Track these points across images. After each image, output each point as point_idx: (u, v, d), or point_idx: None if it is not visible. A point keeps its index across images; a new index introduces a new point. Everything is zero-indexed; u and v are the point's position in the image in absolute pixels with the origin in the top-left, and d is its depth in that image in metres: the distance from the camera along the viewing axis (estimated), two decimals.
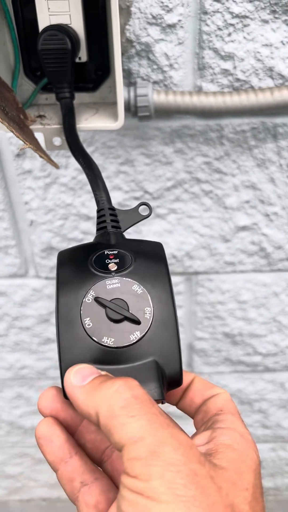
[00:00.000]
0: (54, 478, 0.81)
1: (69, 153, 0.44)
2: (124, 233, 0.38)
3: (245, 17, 0.48)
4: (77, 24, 0.45)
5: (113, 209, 0.38)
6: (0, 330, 0.77)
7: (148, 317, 0.32)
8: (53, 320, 0.74)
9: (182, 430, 0.34)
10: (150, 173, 0.60)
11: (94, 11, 0.45)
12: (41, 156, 0.43)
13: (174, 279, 0.70)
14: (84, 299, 0.32)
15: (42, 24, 0.44)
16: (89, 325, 0.31)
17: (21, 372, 0.83)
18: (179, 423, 0.35)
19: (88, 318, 0.31)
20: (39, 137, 0.49)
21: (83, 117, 0.48)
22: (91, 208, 0.63)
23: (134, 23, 0.48)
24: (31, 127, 0.47)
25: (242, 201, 0.62)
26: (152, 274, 0.34)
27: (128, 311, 0.32)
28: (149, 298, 0.32)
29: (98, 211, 0.38)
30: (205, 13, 0.48)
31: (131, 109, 0.50)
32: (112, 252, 0.35)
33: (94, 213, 0.57)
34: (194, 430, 0.33)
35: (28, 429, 0.94)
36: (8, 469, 1.03)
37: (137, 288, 0.33)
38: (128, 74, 0.52)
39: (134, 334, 0.31)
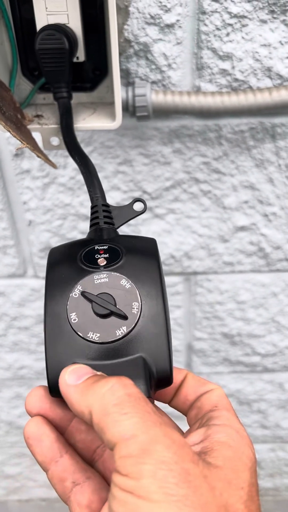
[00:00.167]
0: None
1: (67, 153, 0.44)
2: (119, 231, 0.38)
3: (244, 17, 0.48)
4: (75, 24, 0.44)
5: (107, 205, 0.38)
6: None
7: (135, 312, 0.31)
8: None
9: (179, 429, 0.33)
10: (148, 173, 0.60)
11: (92, 10, 0.45)
12: (38, 156, 0.43)
13: (172, 279, 0.70)
14: (71, 294, 0.31)
15: (40, 23, 0.44)
16: (74, 320, 0.31)
17: (20, 372, 0.83)
18: (178, 423, 0.34)
19: (74, 313, 0.31)
20: (37, 137, 0.49)
21: (80, 117, 0.48)
22: (90, 208, 0.63)
23: (133, 23, 0.48)
24: (29, 127, 0.47)
25: (241, 201, 0.62)
26: (142, 269, 0.33)
27: (115, 305, 0.31)
28: (138, 293, 0.32)
29: (91, 208, 0.38)
30: (204, 13, 0.48)
31: (130, 109, 0.50)
32: (102, 247, 0.34)
33: None
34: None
35: None
36: (7, 469, 1.03)
37: (125, 282, 0.32)
38: (126, 74, 0.52)
39: (120, 329, 0.30)
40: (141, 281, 0.32)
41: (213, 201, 0.62)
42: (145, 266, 0.33)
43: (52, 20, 0.44)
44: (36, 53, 0.44)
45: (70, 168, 0.59)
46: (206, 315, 0.75)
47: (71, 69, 0.45)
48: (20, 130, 0.43)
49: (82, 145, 0.57)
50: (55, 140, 0.49)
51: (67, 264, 0.33)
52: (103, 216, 0.37)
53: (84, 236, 0.68)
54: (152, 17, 0.48)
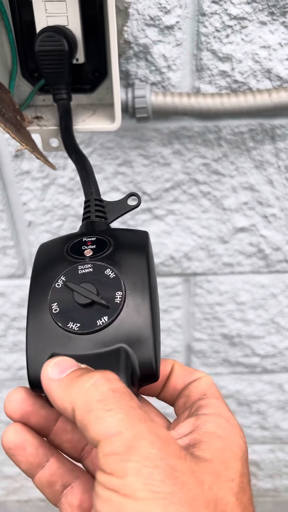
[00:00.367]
0: None
1: (67, 155, 0.44)
2: (114, 225, 0.37)
3: (243, 18, 0.48)
4: (75, 26, 0.45)
5: (100, 200, 0.37)
6: None
7: (118, 301, 0.30)
8: None
9: (166, 420, 0.32)
10: (148, 174, 0.60)
11: (92, 12, 0.45)
12: (37, 158, 0.43)
13: (172, 280, 0.70)
14: (54, 285, 0.31)
15: (40, 25, 0.44)
16: (55, 310, 0.30)
17: (20, 372, 0.83)
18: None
19: (55, 303, 0.30)
20: (36, 138, 0.49)
21: (80, 118, 0.48)
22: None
23: (132, 25, 0.48)
24: (28, 128, 0.47)
25: (241, 203, 0.62)
26: (130, 259, 0.32)
27: (98, 295, 0.30)
28: (122, 282, 0.30)
29: (85, 202, 0.38)
30: (203, 14, 0.48)
31: (129, 111, 0.50)
32: (90, 239, 0.33)
33: None
34: None
35: None
36: (6, 469, 1.03)
37: (109, 272, 0.31)
38: (126, 76, 0.52)
39: (101, 319, 0.29)
40: (127, 271, 0.31)
41: (212, 202, 0.62)
42: (133, 257, 0.32)
43: (52, 22, 0.44)
44: (35, 54, 0.44)
45: (69, 169, 0.59)
46: (206, 316, 0.75)
47: (70, 70, 0.45)
48: (20, 131, 0.43)
49: (81, 147, 0.57)
50: (55, 142, 0.49)
51: (53, 257, 0.33)
52: (95, 210, 0.37)
53: None
54: (151, 18, 0.48)
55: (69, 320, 0.29)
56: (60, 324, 0.29)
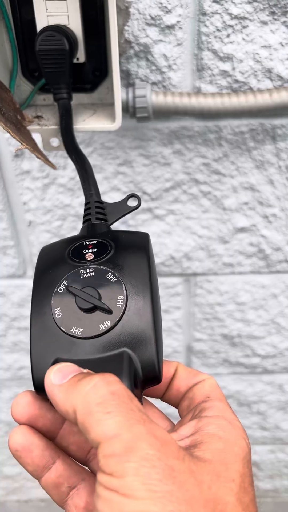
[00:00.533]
0: None
1: (67, 154, 0.44)
2: (114, 227, 0.37)
3: (244, 18, 0.48)
4: (75, 25, 0.44)
5: (100, 201, 0.37)
6: None
7: (120, 306, 0.30)
8: None
9: (169, 421, 0.33)
10: (148, 174, 0.60)
11: (92, 12, 0.45)
12: (38, 157, 0.43)
13: (172, 280, 0.70)
14: (56, 289, 0.31)
15: (40, 24, 0.44)
16: (58, 315, 0.30)
17: (19, 372, 0.83)
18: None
19: (58, 308, 0.30)
20: (37, 137, 0.49)
21: (80, 118, 0.48)
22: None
23: (133, 24, 0.48)
24: (29, 127, 0.47)
25: (241, 203, 0.62)
26: (131, 262, 0.32)
27: (100, 300, 0.30)
28: (123, 286, 0.31)
29: (85, 204, 0.38)
30: (204, 14, 0.48)
31: (130, 110, 0.50)
32: (91, 242, 0.33)
33: None
34: None
35: None
36: (6, 469, 1.03)
37: (111, 276, 0.31)
38: (126, 75, 0.52)
39: (104, 323, 0.30)
40: (129, 275, 0.31)
41: (213, 202, 0.62)
42: (134, 260, 0.32)
43: (53, 21, 0.44)
44: (36, 54, 0.44)
45: (70, 169, 0.59)
46: (206, 316, 0.75)
47: (71, 70, 0.45)
48: (20, 131, 0.43)
49: (82, 146, 0.57)
50: (55, 141, 0.49)
51: (55, 261, 0.33)
52: (96, 212, 0.37)
53: None
54: (152, 18, 0.48)
55: (72, 325, 0.30)
56: (63, 329, 0.30)
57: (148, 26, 0.49)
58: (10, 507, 1.10)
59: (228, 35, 0.49)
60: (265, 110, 0.50)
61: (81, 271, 0.31)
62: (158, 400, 0.35)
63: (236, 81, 0.52)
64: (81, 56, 0.46)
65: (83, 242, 0.34)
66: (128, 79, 0.52)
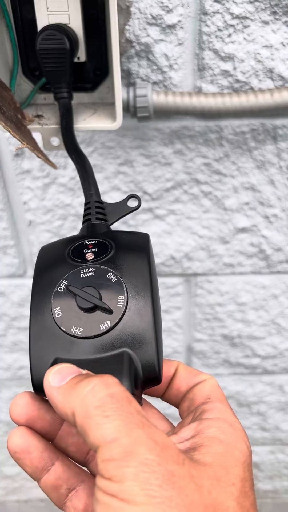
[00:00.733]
0: None
1: (67, 154, 0.44)
2: (114, 227, 0.37)
3: (246, 18, 0.48)
4: (76, 24, 0.44)
5: (100, 202, 0.37)
6: None
7: (121, 306, 0.30)
8: None
9: (169, 423, 0.33)
10: (149, 173, 0.60)
11: (93, 11, 0.45)
12: (38, 156, 0.43)
13: (172, 280, 0.70)
14: (56, 289, 0.31)
15: (41, 23, 0.44)
16: (58, 314, 0.30)
17: (19, 372, 0.83)
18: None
19: (58, 308, 0.30)
20: (37, 137, 0.49)
21: (81, 117, 0.48)
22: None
23: (134, 24, 0.48)
24: (29, 127, 0.47)
25: (242, 203, 0.62)
26: (131, 263, 0.32)
27: (100, 299, 0.30)
28: (124, 286, 0.30)
29: (85, 204, 0.38)
30: (205, 13, 0.48)
31: (131, 110, 0.50)
32: (91, 242, 0.33)
33: None
34: None
35: None
36: (6, 469, 1.03)
37: (111, 276, 0.31)
38: (127, 75, 0.51)
39: (104, 323, 0.29)
40: (129, 274, 0.31)
41: (213, 202, 0.62)
42: (134, 260, 0.32)
43: (53, 20, 0.44)
44: (37, 53, 0.43)
45: (70, 169, 0.59)
46: (206, 317, 0.74)
47: (72, 69, 0.45)
48: (20, 130, 0.43)
49: (82, 146, 0.57)
50: (55, 141, 0.49)
51: (55, 260, 0.33)
52: (96, 212, 0.37)
53: None
54: (153, 17, 0.48)
55: (72, 325, 0.30)
56: (63, 329, 0.30)
57: (149, 26, 0.48)
58: (9, 507, 1.10)
59: (229, 35, 0.49)
60: (266, 110, 0.50)
61: (82, 271, 0.31)
62: (158, 400, 0.35)
63: (237, 81, 0.52)
64: (81, 55, 0.46)
65: (83, 242, 0.33)
66: (129, 79, 0.52)
